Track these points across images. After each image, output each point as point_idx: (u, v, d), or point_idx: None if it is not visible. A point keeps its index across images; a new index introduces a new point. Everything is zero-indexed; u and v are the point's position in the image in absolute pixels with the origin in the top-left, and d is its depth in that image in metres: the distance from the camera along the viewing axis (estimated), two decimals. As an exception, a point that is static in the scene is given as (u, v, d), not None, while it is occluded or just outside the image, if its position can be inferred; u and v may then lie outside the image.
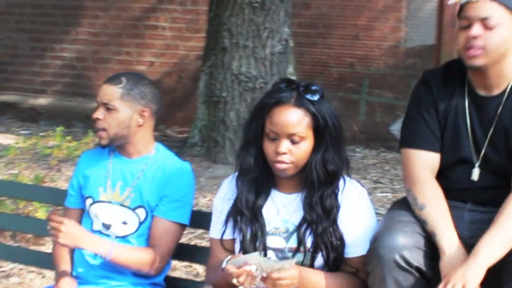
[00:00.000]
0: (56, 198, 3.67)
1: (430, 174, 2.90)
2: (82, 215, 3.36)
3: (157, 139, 3.54)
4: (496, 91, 2.89)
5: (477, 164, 2.91)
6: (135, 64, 9.13)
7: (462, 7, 2.84)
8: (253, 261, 2.60)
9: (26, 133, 8.71)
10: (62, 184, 6.14)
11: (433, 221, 2.79)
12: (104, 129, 3.21)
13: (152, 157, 3.31)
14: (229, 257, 2.74)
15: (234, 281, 2.61)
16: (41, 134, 7.28)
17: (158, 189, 3.22)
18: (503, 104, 2.88)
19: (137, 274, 3.24)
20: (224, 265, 2.70)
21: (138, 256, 3.15)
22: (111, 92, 3.23)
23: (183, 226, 3.23)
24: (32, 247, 5.11)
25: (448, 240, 2.72)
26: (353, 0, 8.16)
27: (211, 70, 7.01)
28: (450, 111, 2.96)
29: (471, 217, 2.89)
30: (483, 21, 2.78)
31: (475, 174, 2.91)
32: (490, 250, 2.65)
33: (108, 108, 3.21)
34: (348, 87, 8.17)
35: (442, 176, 2.94)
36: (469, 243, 2.76)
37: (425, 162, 2.93)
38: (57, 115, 9.09)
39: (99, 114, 3.22)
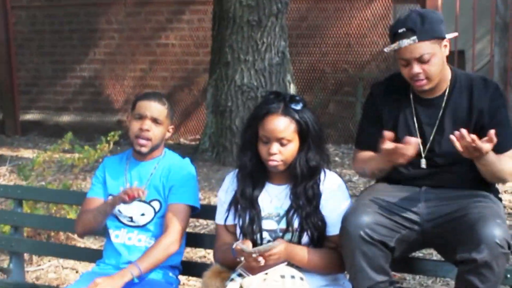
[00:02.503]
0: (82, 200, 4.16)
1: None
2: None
3: (171, 147, 4.01)
4: (437, 93, 3.35)
5: (424, 155, 3.35)
6: (149, 80, 9.41)
7: (397, 49, 3.25)
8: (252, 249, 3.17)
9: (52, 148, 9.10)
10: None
11: (368, 162, 3.43)
12: (149, 139, 3.65)
13: (162, 158, 3.77)
14: (235, 243, 3.22)
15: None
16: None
17: (167, 182, 3.68)
18: (445, 102, 3.35)
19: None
20: (235, 246, 3.21)
21: (160, 250, 3.57)
22: (160, 110, 3.66)
23: (191, 207, 3.67)
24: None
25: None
26: (345, 11, 8.39)
27: (216, 83, 7.36)
28: (399, 115, 3.41)
29: (426, 197, 3.30)
30: (419, 59, 3.24)
31: (423, 163, 3.36)
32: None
33: (157, 123, 3.65)
34: (345, 91, 8.48)
35: (396, 170, 3.39)
36: (427, 219, 3.24)
37: (363, 157, 3.49)
38: (80, 130, 9.22)
39: (148, 126, 3.64)
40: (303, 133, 3.27)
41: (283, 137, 3.24)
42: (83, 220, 3.80)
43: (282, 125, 3.24)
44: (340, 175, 3.50)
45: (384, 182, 3.49)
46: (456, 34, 3.52)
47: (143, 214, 3.73)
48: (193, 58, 9.20)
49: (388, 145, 3.18)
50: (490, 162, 3.18)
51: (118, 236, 3.77)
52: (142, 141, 3.66)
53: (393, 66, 8.10)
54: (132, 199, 3.51)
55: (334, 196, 3.34)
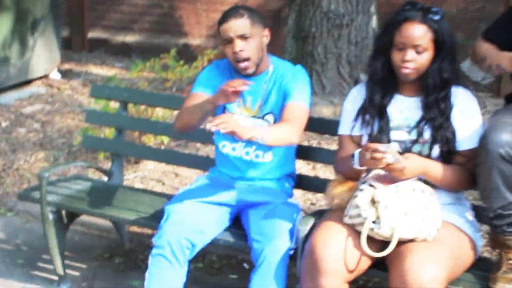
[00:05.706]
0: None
1: None
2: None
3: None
4: None
5: None
6: (219, 4, 9.26)
7: None
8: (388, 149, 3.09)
9: (121, 65, 9.08)
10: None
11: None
12: (248, 59, 3.51)
13: (272, 70, 3.66)
14: (358, 150, 3.20)
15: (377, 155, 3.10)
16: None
17: (281, 91, 3.59)
18: None
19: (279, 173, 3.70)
20: (355, 157, 3.19)
21: (284, 130, 3.39)
22: (242, 24, 3.50)
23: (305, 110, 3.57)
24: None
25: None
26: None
27: (300, 8, 7.21)
28: None
29: None
30: None
31: None
32: None
33: (245, 38, 3.49)
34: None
35: None
36: None
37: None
38: (146, 50, 9.28)
39: (239, 46, 3.49)
40: (439, 43, 3.27)
41: (419, 44, 3.24)
42: (181, 116, 3.64)
43: (420, 32, 3.24)
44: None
45: None
46: None
47: None
48: (266, -15, 9.03)
49: None
50: None
51: (235, 149, 3.73)
52: (243, 64, 3.54)
53: (472, 6, 8.10)
54: (236, 94, 3.34)
55: (466, 110, 3.33)
